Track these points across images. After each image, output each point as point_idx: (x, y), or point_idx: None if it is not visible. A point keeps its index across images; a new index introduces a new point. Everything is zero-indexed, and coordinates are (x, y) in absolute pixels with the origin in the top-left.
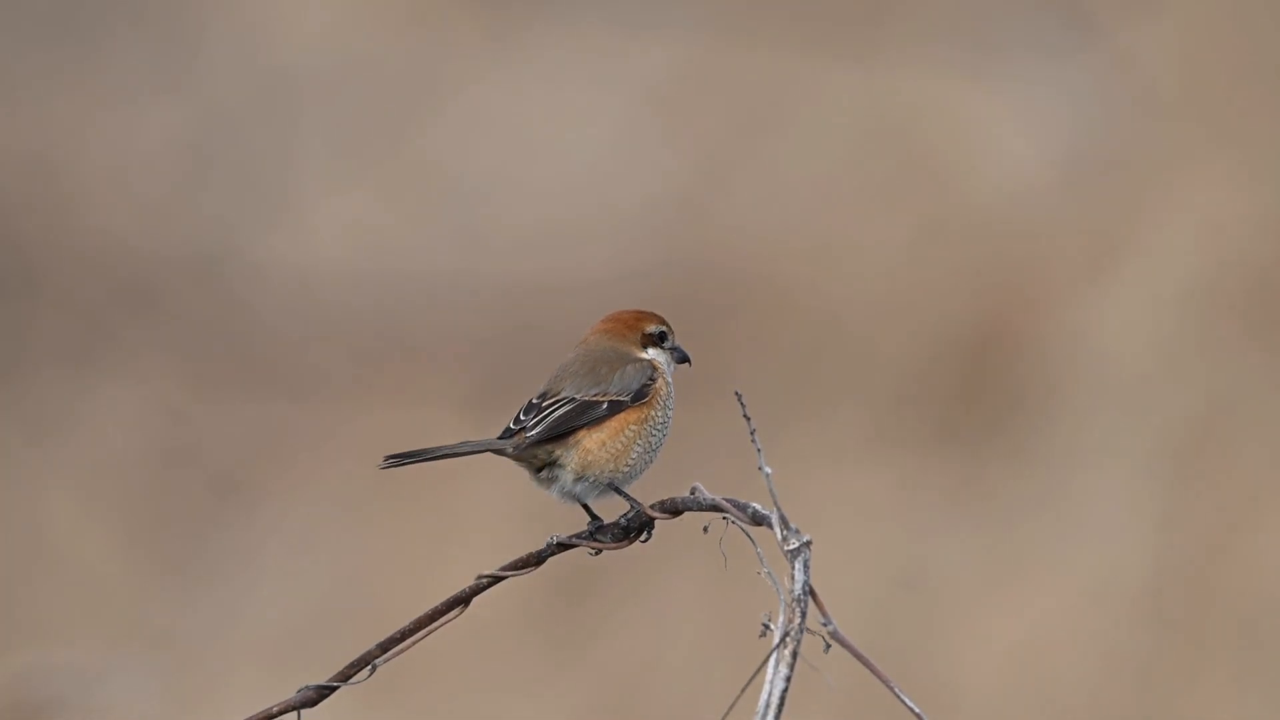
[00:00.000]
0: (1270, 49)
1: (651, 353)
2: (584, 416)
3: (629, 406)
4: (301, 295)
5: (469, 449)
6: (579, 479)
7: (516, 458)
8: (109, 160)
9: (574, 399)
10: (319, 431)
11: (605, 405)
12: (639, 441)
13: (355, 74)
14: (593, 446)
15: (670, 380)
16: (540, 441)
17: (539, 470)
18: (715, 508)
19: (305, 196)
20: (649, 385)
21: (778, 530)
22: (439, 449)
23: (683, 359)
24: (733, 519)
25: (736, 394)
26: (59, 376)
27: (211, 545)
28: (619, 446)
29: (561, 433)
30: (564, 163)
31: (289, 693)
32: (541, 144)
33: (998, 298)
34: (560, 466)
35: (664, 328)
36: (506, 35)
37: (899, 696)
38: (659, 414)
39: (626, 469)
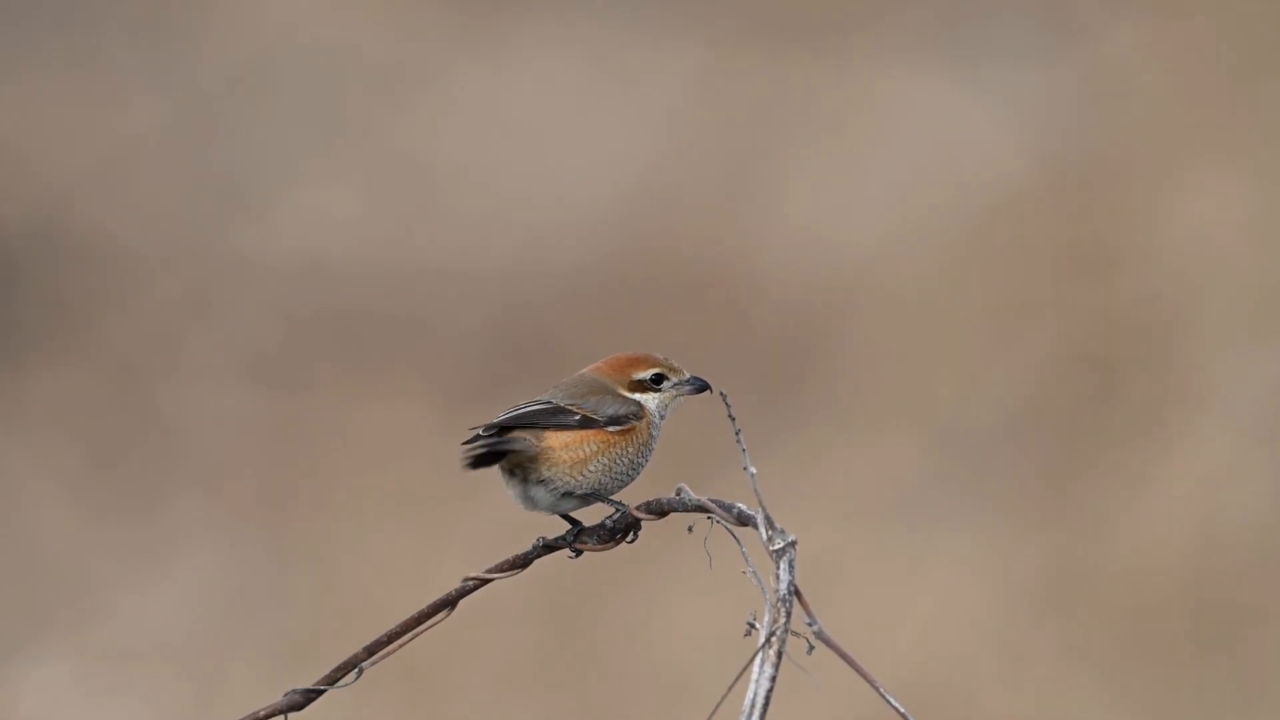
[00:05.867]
0: (1255, 48)
1: (640, 396)
2: (553, 419)
3: (599, 427)
4: (277, 287)
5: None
6: (542, 481)
7: (509, 450)
8: (91, 155)
9: (550, 402)
10: (296, 424)
11: (577, 417)
12: (601, 458)
13: (332, 66)
14: (556, 445)
15: (657, 421)
16: (509, 427)
17: (510, 472)
18: (701, 508)
19: (282, 189)
20: (628, 419)
21: (763, 531)
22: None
23: (700, 389)
24: (718, 519)
25: (722, 394)
26: (43, 370)
27: (195, 544)
28: (581, 454)
29: (525, 424)
30: (538, 152)
31: (275, 696)
32: (516, 134)
33: (984, 284)
34: (530, 461)
35: (659, 370)
36: (480, 26)
37: (884, 696)
38: (630, 449)
39: (581, 478)
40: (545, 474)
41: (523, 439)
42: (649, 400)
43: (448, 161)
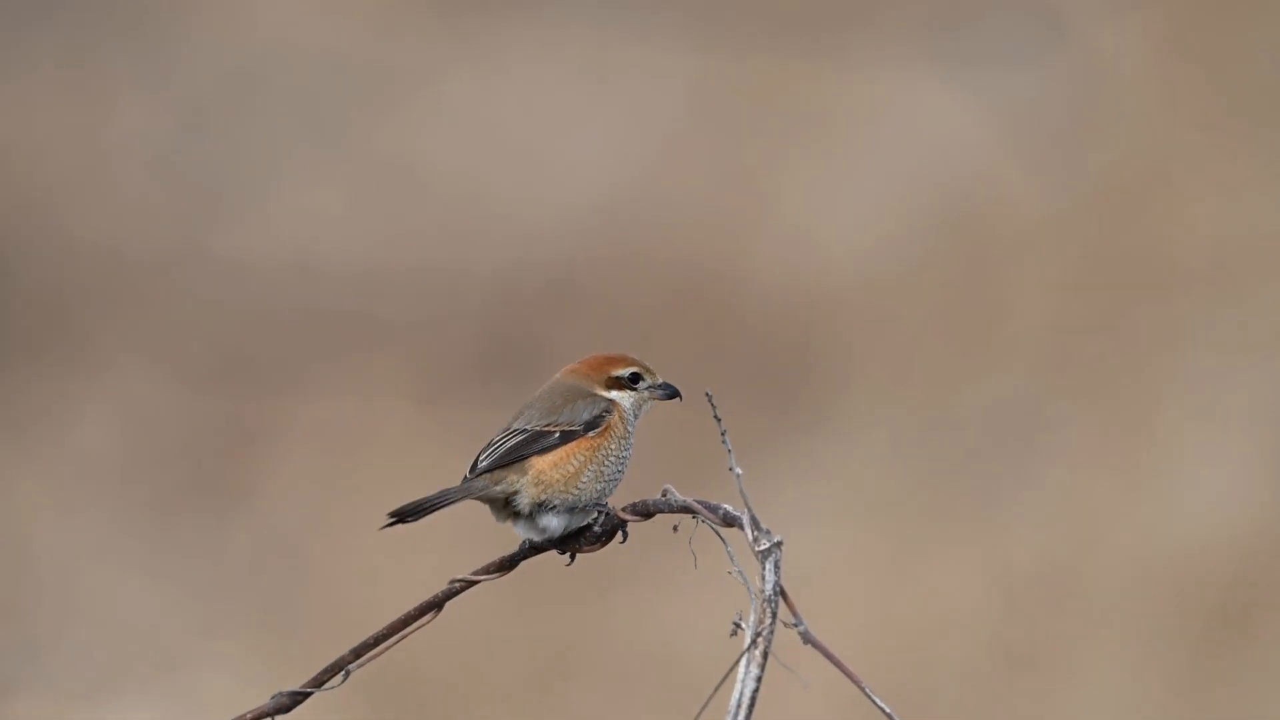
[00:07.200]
0: (1242, 48)
1: (616, 394)
2: (535, 445)
3: (580, 436)
4: (266, 289)
5: (456, 497)
6: (539, 505)
7: (482, 498)
8: (79, 157)
9: (526, 429)
10: (287, 426)
11: (557, 435)
12: (590, 467)
13: (319, 69)
14: (545, 467)
15: (631, 419)
16: (493, 469)
17: (505, 505)
18: (686, 509)
19: (270, 191)
20: (603, 417)
21: (748, 531)
22: (432, 501)
23: (670, 395)
24: (704, 520)
25: (707, 394)
26: (30, 372)
27: (182, 542)
28: (570, 469)
29: (512, 460)
30: (526, 155)
31: (262, 696)
32: (503, 137)
33: (973, 287)
34: (519, 494)
35: (635, 369)
36: (468, 29)
37: (869, 697)
38: (613, 446)
39: (578, 491)
40: (544, 497)
41: (471, 487)
42: (624, 398)
43: (435, 164)
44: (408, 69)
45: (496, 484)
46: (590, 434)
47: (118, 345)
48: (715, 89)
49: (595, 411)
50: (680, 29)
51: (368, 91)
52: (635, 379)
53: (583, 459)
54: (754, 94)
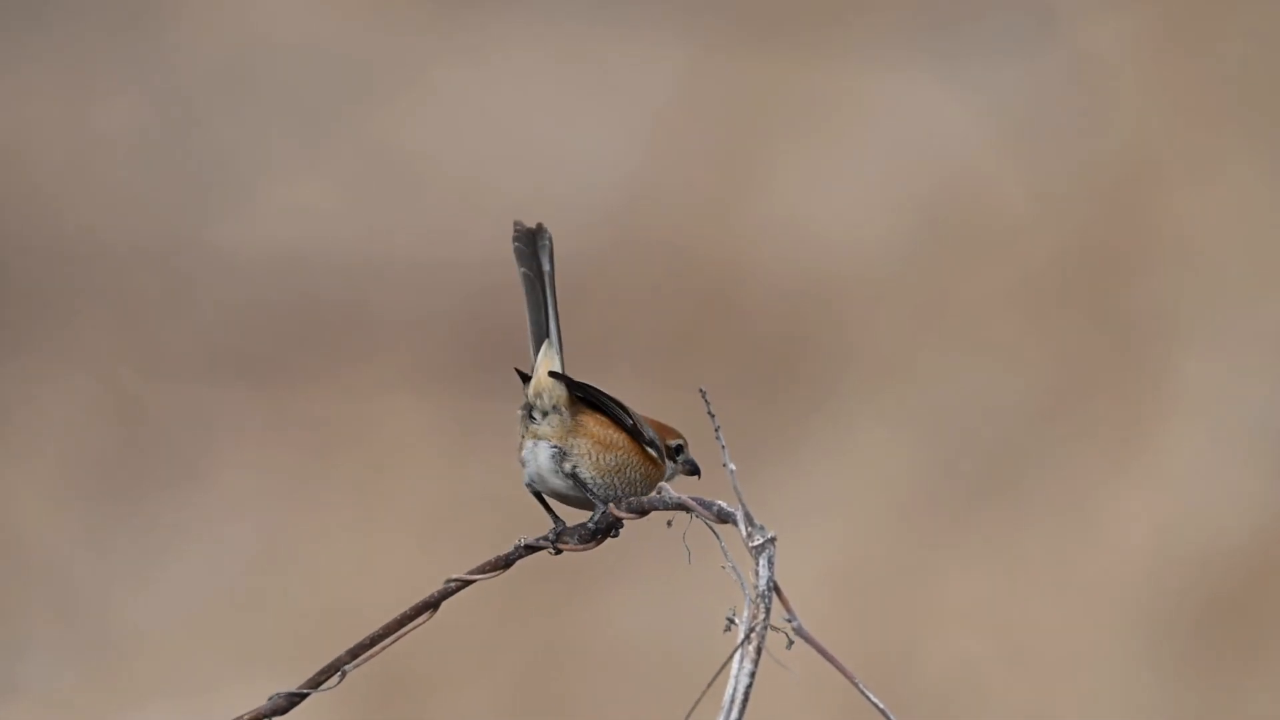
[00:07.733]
0: (1235, 41)
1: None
2: (609, 406)
3: (642, 441)
4: (257, 281)
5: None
6: (550, 442)
7: (534, 392)
8: (70, 150)
9: (620, 401)
10: (276, 420)
11: (630, 422)
12: (623, 454)
13: (310, 60)
14: (589, 421)
15: (662, 484)
16: (563, 381)
17: (536, 418)
18: (681, 506)
19: (260, 183)
20: (660, 453)
21: (742, 527)
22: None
23: (692, 471)
24: (699, 516)
25: (701, 391)
26: (18, 365)
27: (167, 536)
28: (611, 439)
29: (584, 397)
30: (518, 147)
31: (259, 697)
32: (495, 128)
33: (970, 282)
34: (548, 419)
35: (681, 442)
36: (458, 20)
37: (864, 693)
38: (645, 472)
39: (597, 460)
40: (568, 441)
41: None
42: (667, 463)
43: (426, 155)
44: (398, 61)
45: (551, 392)
46: (648, 449)
47: (108, 339)
48: (709, 80)
49: (656, 444)
50: (674, 21)
51: (359, 83)
52: (678, 451)
53: (627, 446)
54: (748, 86)
